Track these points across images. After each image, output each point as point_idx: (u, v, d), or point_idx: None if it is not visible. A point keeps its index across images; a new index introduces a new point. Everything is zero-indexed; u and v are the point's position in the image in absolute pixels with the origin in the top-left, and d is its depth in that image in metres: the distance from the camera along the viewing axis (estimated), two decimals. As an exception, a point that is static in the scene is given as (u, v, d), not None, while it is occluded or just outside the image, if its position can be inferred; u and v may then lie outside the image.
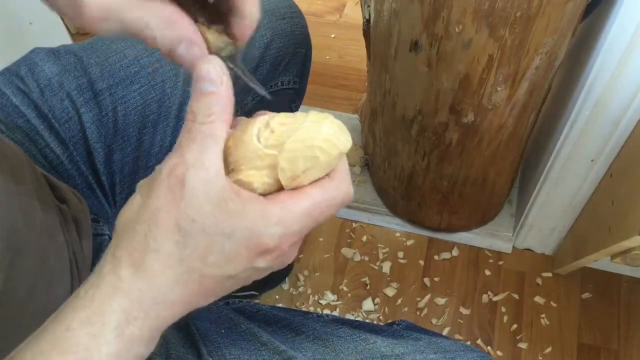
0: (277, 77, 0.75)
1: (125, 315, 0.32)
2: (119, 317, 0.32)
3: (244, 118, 0.37)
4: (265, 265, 0.34)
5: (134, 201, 0.34)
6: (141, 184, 0.34)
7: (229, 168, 0.34)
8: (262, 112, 0.37)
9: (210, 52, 0.37)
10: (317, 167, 0.34)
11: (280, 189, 0.34)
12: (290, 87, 0.78)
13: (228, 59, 0.38)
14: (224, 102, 0.34)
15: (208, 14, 0.37)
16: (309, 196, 0.34)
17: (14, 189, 0.46)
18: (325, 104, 1.41)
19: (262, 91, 0.40)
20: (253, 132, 0.34)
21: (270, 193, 0.34)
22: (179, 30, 0.35)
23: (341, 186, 0.35)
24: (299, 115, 0.35)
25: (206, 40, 0.37)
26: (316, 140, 0.33)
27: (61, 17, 1.48)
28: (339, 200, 0.35)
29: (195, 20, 0.37)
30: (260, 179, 0.34)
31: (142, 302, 0.32)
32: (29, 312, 0.43)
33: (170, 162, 0.33)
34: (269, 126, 0.34)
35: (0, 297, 0.42)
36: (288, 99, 0.80)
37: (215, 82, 0.33)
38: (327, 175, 0.35)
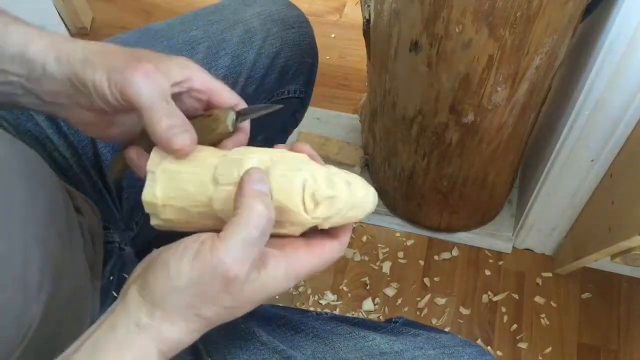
0: (284, 86, 0.76)
1: (163, 354, 0.38)
2: (159, 357, 0.37)
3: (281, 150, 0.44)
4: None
5: (183, 272, 0.37)
6: (193, 257, 0.37)
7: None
8: (300, 145, 0.45)
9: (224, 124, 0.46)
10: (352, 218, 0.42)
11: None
12: (296, 96, 0.79)
13: (242, 117, 0.46)
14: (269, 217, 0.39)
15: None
16: (321, 254, 0.41)
17: (42, 201, 0.46)
18: (325, 104, 1.41)
19: (276, 107, 0.48)
20: (299, 203, 0.39)
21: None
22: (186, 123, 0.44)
23: (342, 249, 0.42)
24: (338, 184, 0.41)
25: (216, 121, 0.45)
26: (361, 217, 0.42)
27: (61, 17, 1.48)
28: (338, 255, 0.42)
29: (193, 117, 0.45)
30: (300, 232, 0.41)
31: (177, 345, 0.38)
32: (62, 341, 0.43)
33: (232, 257, 0.36)
34: (314, 199, 0.39)
35: (42, 316, 0.43)
36: (293, 108, 0.80)
37: (265, 183, 0.39)
38: (336, 238, 0.42)
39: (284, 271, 0.39)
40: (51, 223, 0.46)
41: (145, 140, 0.44)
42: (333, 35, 1.60)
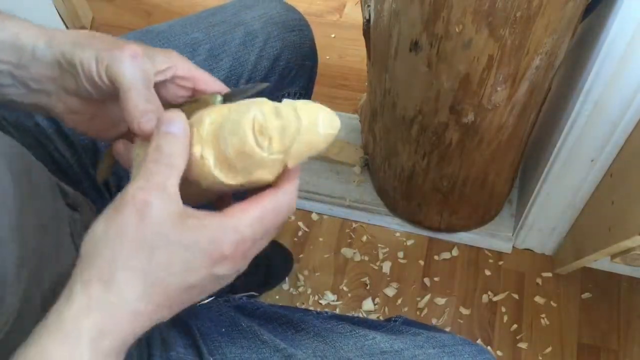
0: (285, 88, 0.76)
1: (99, 330, 0.34)
2: (92, 334, 0.34)
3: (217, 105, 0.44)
4: (223, 272, 0.38)
5: (99, 226, 0.36)
6: (107, 207, 0.37)
7: (237, 172, 0.39)
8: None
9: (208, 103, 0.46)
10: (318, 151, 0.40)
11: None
12: (296, 98, 0.79)
13: (228, 99, 0.46)
14: (185, 143, 0.39)
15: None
16: (260, 205, 0.38)
17: (31, 196, 0.46)
18: (325, 103, 1.40)
19: (262, 85, 0.48)
20: (252, 143, 0.38)
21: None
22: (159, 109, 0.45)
23: (289, 197, 0.40)
24: (283, 112, 0.39)
25: (204, 105, 0.45)
26: (318, 139, 0.39)
27: (61, 17, 1.49)
28: (284, 210, 0.40)
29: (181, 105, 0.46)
30: (272, 175, 0.39)
31: (114, 315, 0.35)
32: None
33: (137, 184, 0.36)
34: (264, 133, 0.38)
35: (20, 309, 0.42)
36: None
37: (178, 125, 0.39)
38: (277, 186, 0.40)
39: (218, 221, 0.37)
40: (31, 214, 0.45)
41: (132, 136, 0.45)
42: (333, 35, 1.60)
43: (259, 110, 0.39)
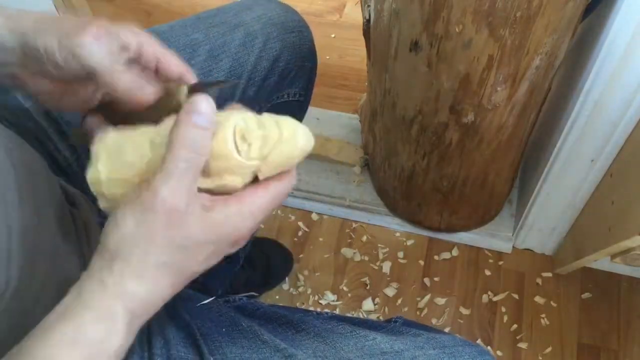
0: (284, 89, 0.76)
1: (132, 314, 0.38)
2: (127, 316, 0.37)
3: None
4: (235, 249, 0.41)
5: (127, 222, 0.38)
6: (133, 203, 0.38)
7: (210, 173, 0.39)
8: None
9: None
10: (290, 167, 0.42)
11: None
12: (296, 99, 0.79)
13: (194, 90, 0.46)
14: (211, 135, 0.39)
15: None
16: (272, 191, 0.40)
17: (30, 188, 0.46)
18: (325, 104, 1.42)
19: (231, 82, 0.51)
20: (231, 147, 0.39)
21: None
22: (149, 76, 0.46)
23: (291, 181, 0.42)
24: (266, 122, 0.41)
25: (169, 95, 0.47)
26: (294, 152, 0.41)
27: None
28: (287, 190, 0.42)
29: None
30: (243, 181, 0.40)
31: (144, 302, 0.38)
32: (38, 313, 0.43)
33: (167, 186, 0.37)
34: (245, 140, 0.39)
35: (12, 296, 0.43)
36: (292, 112, 0.81)
37: (209, 119, 0.38)
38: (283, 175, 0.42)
39: (237, 209, 0.39)
40: (31, 194, 0.46)
41: (105, 110, 0.46)
42: (333, 35, 1.60)
43: (241, 118, 0.40)
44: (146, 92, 0.44)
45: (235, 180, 0.40)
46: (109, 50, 0.43)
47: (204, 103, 0.38)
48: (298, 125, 0.41)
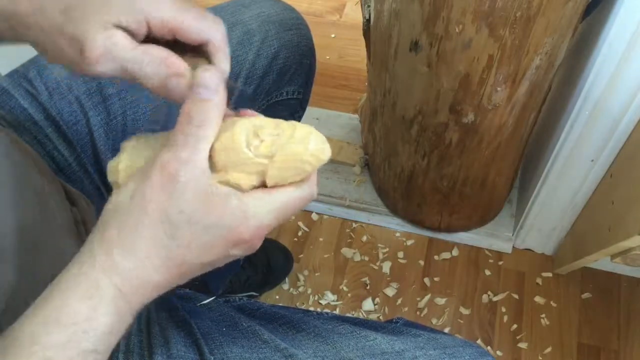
0: (283, 87, 0.76)
1: (119, 290, 0.36)
2: (114, 292, 0.36)
3: (230, 114, 0.40)
4: (238, 253, 0.38)
5: (128, 187, 0.37)
6: (135, 173, 0.37)
7: (216, 168, 0.38)
8: (245, 110, 0.41)
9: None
10: (303, 175, 0.39)
11: (260, 187, 0.39)
12: (295, 97, 0.79)
13: None
14: (218, 109, 0.37)
15: (191, 56, 0.41)
16: (283, 194, 0.38)
17: (32, 189, 0.46)
18: (325, 104, 1.42)
19: (248, 90, 0.47)
20: (241, 139, 0.38)
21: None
22: (170, 67, 0.38)
23: (312, 187, 0.40)
24: (283, 125, 0.39)
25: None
26: (305, 155, 0.38)
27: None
28: (307, 199, 0.40)
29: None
30: (248, 182, 0.38)
31: (132, 280, 0.36)
32: None
33: (165, 157, 0.36)
34: (258, 136, 0.38)
35: (12, 296, 0.42)
36: (291, 109, 0.81)
37: (212, 90, 0.37)
38: (302, 181, 0.39)
39: (240, 203, 0.36)
40: (29, 192, 0.46)
41: None
42: (333, 35, 1.60)
43: (259, 118, 0.39)
44: (172, 85, 0.39)
45: (239, 179, 0.38)
46: (110, 68, 0.38)
47: (207, 74, 0.37)
48: (314, 131, 0.39)
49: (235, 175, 0.38)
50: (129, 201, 0.36)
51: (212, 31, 0.39)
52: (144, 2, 0.38)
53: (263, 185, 0.38)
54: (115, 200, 0.37)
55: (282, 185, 0.39)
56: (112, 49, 0.37)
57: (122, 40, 0.37)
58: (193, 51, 0.40)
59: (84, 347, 0.35)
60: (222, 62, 0.40)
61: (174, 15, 0.38)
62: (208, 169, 0.37)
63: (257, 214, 0.37)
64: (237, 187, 0.38)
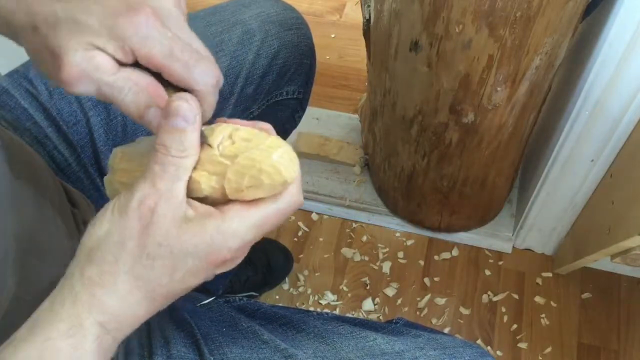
0: (283, 87, 0.76)
1: (103, 328, 0.35)
2: (97, 330, 0.35)
3: (223, 120, 0.39)
4: (223, 270, 0.38)
5: (102, 226, 0.36)
6: (113, 204, 0.36)
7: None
8: (222, 119, 0.40)
9: None
10: (261, 189, 0.36)
11: (224, 196, 0.37)
12: (295, 97, 0.79)
13: None
14: (195, 138, 0.36)
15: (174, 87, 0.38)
16: (260, 209, 0.37)
17: (32, 190, 0.46)
18: (325, 104, 1.42)
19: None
20: (216, 139, 0.37)
21: (214, 198, 0.37)
22: (152, 97, 0.36)
23: (293, 198, 0.38)
24: (262, 135, 0.38)
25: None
26: (264, 164, 0.36)
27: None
28: (289, 211, 0.38)
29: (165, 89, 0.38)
30: (208, 182, 0.37)
31: (117, 317, 0.36)
32: None
33: (143, 190, 0.35)
34: (232, 138, 0.37)
35: (14, 299, 0.42)
36: (291, 109, 0.81)
37: (188, 119, 0.35)
38: (280, 194, 0.37)
39: (216, 225, 0.35)
40: (29, 195, 0.45)
41: None
42: (333, 35, 1.60)
43: (243, 127, 0.38)
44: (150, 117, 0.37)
45: (200, 176, 0.36)
46: (87, 89, 0.36)
47: (185, 105, 0.35)
48: (286, 146, 0.38)
49: (198, 172, 0.36)
50: (108, 237, 0.35)
51: (201, 82, 0.37)
52: (136, 32, 0.35)
53: (223, 193, 0.37)
54: (93, 235, 0.36)
55: (260, 200, 0.37)
56: (90, 71, 0.35)
57: (103, 62, 0.35)
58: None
59: None
60: (206, 112, 0.38)
61: (162, 56, 0.36)
62: (185, 198, 0.36)
63: (236, 233, 0.36)
64: (197, 186, 0.36)
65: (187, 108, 0.35)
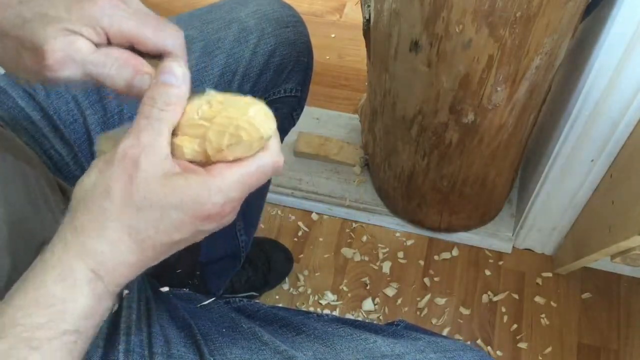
0: (280, 85, 0.76)
1: (94, 273, 0.37)
2: (88, 275, 0.36)
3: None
4: (209, 227, 0.39)
5: (91, 176, 0.37)
6: (101, 158, 0.38)
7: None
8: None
9: None
10: (241, 146, 0.38)
11: (207, 159, 0.39)
12: (292, 95, 0.79)
13: None
14: (182, 94, 0.38)
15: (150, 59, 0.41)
16: (242, 166, 0.38)
17: (25, 187, 0.46)
18: (325, 104, 1.41)
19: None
20: (195, 105, 0.38)
21: (199, 161, 0.39)
22: (132, 67, 0.39)
23: (273, 156, 0.39)
24: (237, 97, 0.39)
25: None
26: (240, 120, 0.37)
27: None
28: (269, 170, 0.39)
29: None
30: (190, 146, 0.38)
31: (106, 263, 0.37)
32: None
33: (127, 142, 0.37)
34: (209, 103, 0.38)
35: (9, 281, 0.43)
36: (289, 107, 0.80)
37: (178, 77, 0.38)
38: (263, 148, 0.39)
39: (201, 179, 0.37)
40: (20, 186, 0.46)
41: None
42: (333, 35, 1.60)
43: (220, 94, 0.39)
44: (123, 75, 0.39)
45: (182, 140, 0.38)
46: (73, 73, 0.39)
47: (174, 63, 0.38)
48: (260, 104, 0.39)
49: (180, 138, 0.38)
50: (93, 188, 0.37)
51: (170, 42, 0.40)
52: (102, 13, 0.38)
53: (206, 155, 0.38)
54: (82, 187, 0.37)
55: (242, 160, 0.38)
56: (73, 54, 0.37)
57: (84, 45, 0.38)
58: (152, 58, 0.41)
59: (63, 327, 0.36)
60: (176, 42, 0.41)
61: (132, 27, 0.39)
62: (169, 152, 0.37)
63: (220, 188, 0.37)
64: (180, 151, 0.38)
65: (178, 66, 0.38)
